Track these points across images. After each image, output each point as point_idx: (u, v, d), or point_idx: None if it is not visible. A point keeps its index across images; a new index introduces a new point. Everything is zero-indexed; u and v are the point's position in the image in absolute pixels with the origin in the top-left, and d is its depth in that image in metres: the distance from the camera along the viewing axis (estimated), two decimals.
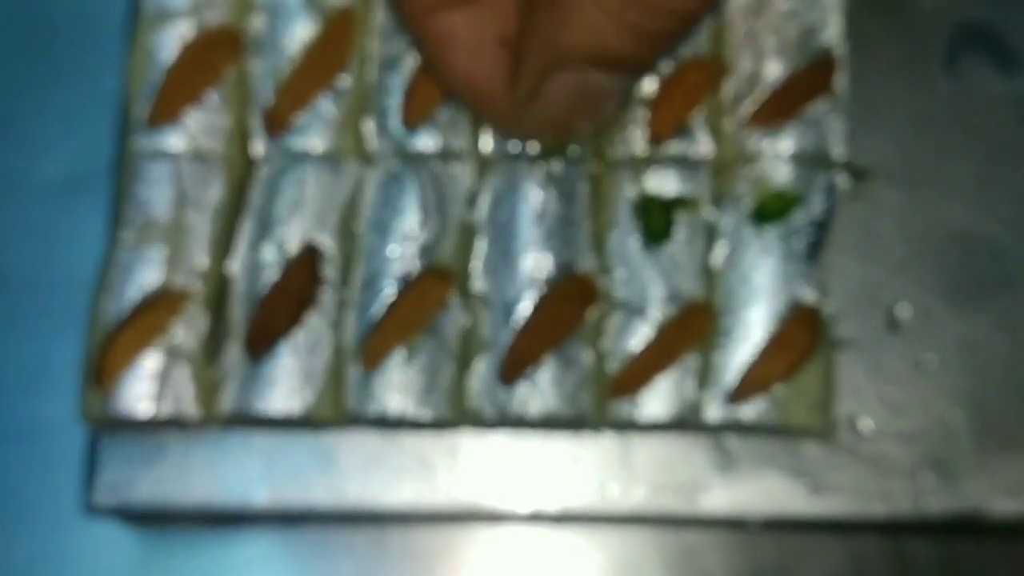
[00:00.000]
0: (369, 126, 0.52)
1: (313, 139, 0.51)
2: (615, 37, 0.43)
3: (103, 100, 0.55)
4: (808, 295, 0.50)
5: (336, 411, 0.49)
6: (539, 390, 0.49)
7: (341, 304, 0.50)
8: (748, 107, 0.51)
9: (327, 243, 0.50)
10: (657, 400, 0.49)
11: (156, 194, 0.50)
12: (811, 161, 0.51)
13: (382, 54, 0.52)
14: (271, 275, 0.50)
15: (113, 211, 0.52)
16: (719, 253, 0.50)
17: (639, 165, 0.51)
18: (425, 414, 0.49)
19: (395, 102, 0.51)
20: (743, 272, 0.50)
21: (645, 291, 0.50)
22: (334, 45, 0.51)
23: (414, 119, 0.51)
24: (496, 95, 0.47)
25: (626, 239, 0.50)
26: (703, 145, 0.51)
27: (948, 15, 0.56)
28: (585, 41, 0.43)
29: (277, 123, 0.51)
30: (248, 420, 0.50)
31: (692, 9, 0.43)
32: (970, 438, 0.51)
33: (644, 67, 0.49)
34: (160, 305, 0.49)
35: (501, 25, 0.45)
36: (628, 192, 0.51)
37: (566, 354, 0.49)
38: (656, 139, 0.51)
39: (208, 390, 0.49)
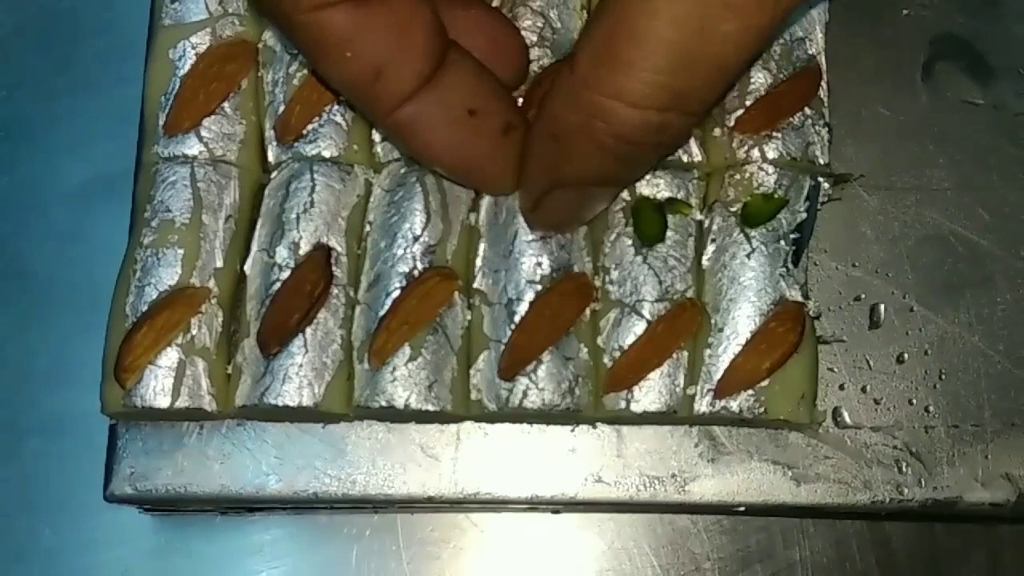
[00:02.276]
0: (377, 133, 0.51)
1: (324, 146, 0.51)
2: (612, 165, 0.44)
3: (125, 108, 0.55)
4: (793, 294, 0.50)
5: (345, 404, 0.49)
6: (538, 384, 0.48)
7: (350, 302, 0.49)
8: (736, 116, 0.51)
9: (337, 244, 0.50)
10: (650, 394, 0.49)
11: (174, 198, 0.50)
12: (796, 166, 0.51)
13: None
14: (284, 275, 0.49)
15: (134, 214, 0.52)
16: (709, 254, 0.50)
17: None
18: (430, 407, 0.48)
19: None
20: (732, 272, 0.50)
21: (639, 290, 0.49)
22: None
23: None
24: (478, 162, 0.47)
25: (621, 241, 0.50)
26: (693, 152, 0.51)
27: (926, 27, 0.56)
28: (585, 170, 0.45)
29: (289, 131, 0.51)
30: (261, 413, 0.49)
31: (676, 142, 0.45)
32: (947, 430, 0.51)
33: (635, 180, 0.50)
34: (177, 303, 0.49)
35: (466, 98, 0.45)
36: (622, 196, 0.51)
37: (563, 350, 0.49)
38: None
39: (223, 384, 0.49)
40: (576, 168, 0.44)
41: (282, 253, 0.50)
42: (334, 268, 0.50)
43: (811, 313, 0.51)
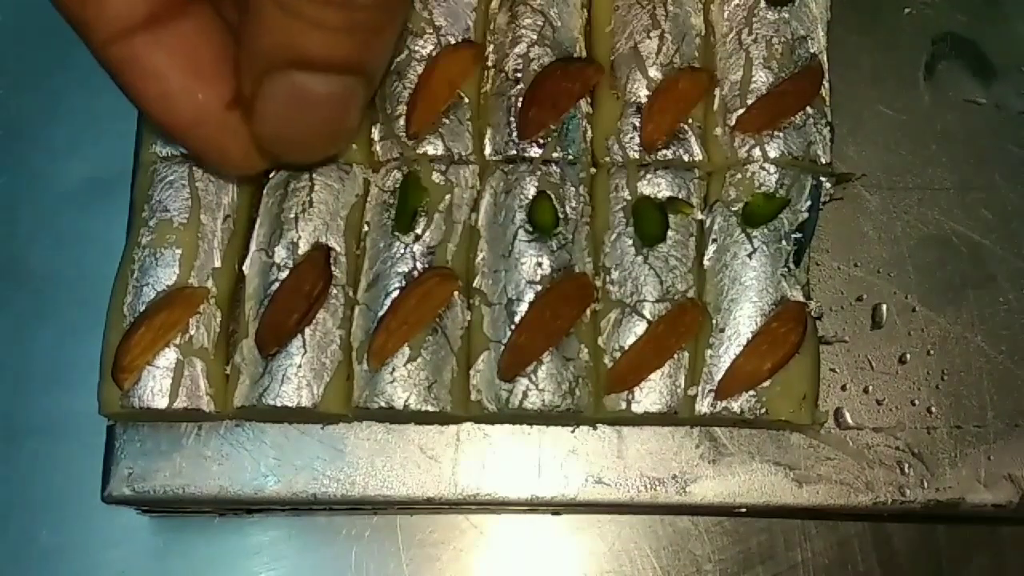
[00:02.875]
0: (376, 132, 0.51)
1: None
2: (305, 36, 0.41)
3: (125, 107, 0.54)
4: (794, 294, 0.49)
5: (344, 405, 0.49)
6: (538, 385, 0.48)
7: (349, 303, 0.49)
8: (737, 115, 0.51)
9: (336, 244, 0.49)
10: (651, 394, 0.49)
11: (172, 198, 0.50)
12: (797, 166, 0.51)
13: (388, 64, 0.51)
14: (282, 275, 0.49)
15: (132, 214, 0.51)
16: (710, 254, 0.50)
17: (634, 170, 0.50)
18: (429, 408, 0.48)
19: (400, 110, 0.51)
20: (733, 272, 0.50)
21: (639, 290, 0.49)
22: None
23: (417, 127, 0.50)
24: (196, 126, 0.44)
25: (621, 241, 0.50)
26: (695, 151, 0.51)
27: (928, 26, 0.56)
28: (277, 42, 0.42)
29: None
30: (259, 413, 0.49)
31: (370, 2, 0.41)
32: (950, 431, 0.51)
33: (356, 67, 0.44)
34: (175, 304, 0.49)
35: (198, 53, 0.43)
36: (623, 196, 0.50)
37: (564, 351, 0.48)
38: (648, 146, 0.50)
39: (221, 385, 0.49)
40: (268, 40, 0.41)
41: (281, 253, 0.49)
42: (333, 268, 0.49)
43: (813, 313, 0.50)
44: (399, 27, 0.44)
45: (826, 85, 0.51)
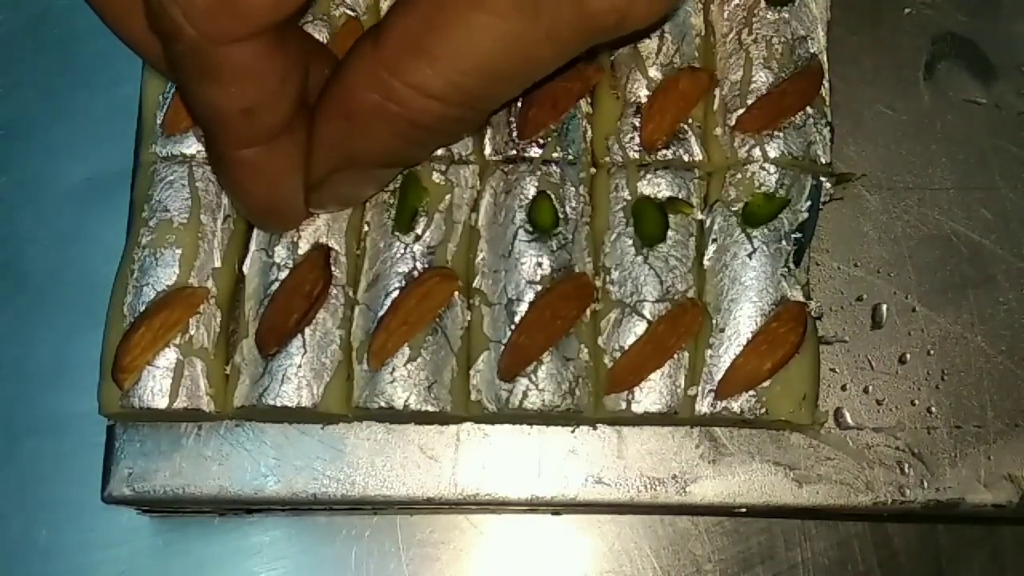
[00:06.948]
0: None
1: None
2: (401, 147, 0.44)
3: (124, 107, 0.54)
4: (794, 294, 0.49)
5: (344, 405, 0.49)
6: (538, 385, 0.48)
7: (349, 303, 0.49)
8: (737, 115, 0.51)
9: (336, 244, 0.49)
10: (651, 394, 0.48)
11: (172, 198, 0.50)
12: (797, 166, 0.51)
13: None
14: (282, 275, 0.49)
15: (131, 214, 0.51)
16: (710, 254, 0.50)
17: (634, 170, 0.50)
18: (429, 408, 0.48)
19: None
20: (733, 272, 0.50)
21: (639, 290, 0.49)
22: (342, 54, 0.51)
23: None
24: (283, 211, 0.48)
25: (621, 241, 0.50)
26: (695, 151, 0.51)
27: (928, 26, 0.56)
28: (377, 151, 0.45)
29: None
30: (260, 413, 0.49)
31: (465, 131, 0.47)
32: (950, 431, 0.51)
33: (418, 163, 0.50)
34: (175, 304, 0.48)
35: (300, 155, 0.45)
36: (623, 196, 0.50)
37: (563, 351, 0.48)
38: (648, 146, 0.50)
39: (221, 385, 0.49)
40: (366, 148, 0.44)
41: (281, 253, 0.49)
42: (333, 268, 0.49)
43: (813, 313, 0.50)
44: None
45: (826, 85, 0.51)
